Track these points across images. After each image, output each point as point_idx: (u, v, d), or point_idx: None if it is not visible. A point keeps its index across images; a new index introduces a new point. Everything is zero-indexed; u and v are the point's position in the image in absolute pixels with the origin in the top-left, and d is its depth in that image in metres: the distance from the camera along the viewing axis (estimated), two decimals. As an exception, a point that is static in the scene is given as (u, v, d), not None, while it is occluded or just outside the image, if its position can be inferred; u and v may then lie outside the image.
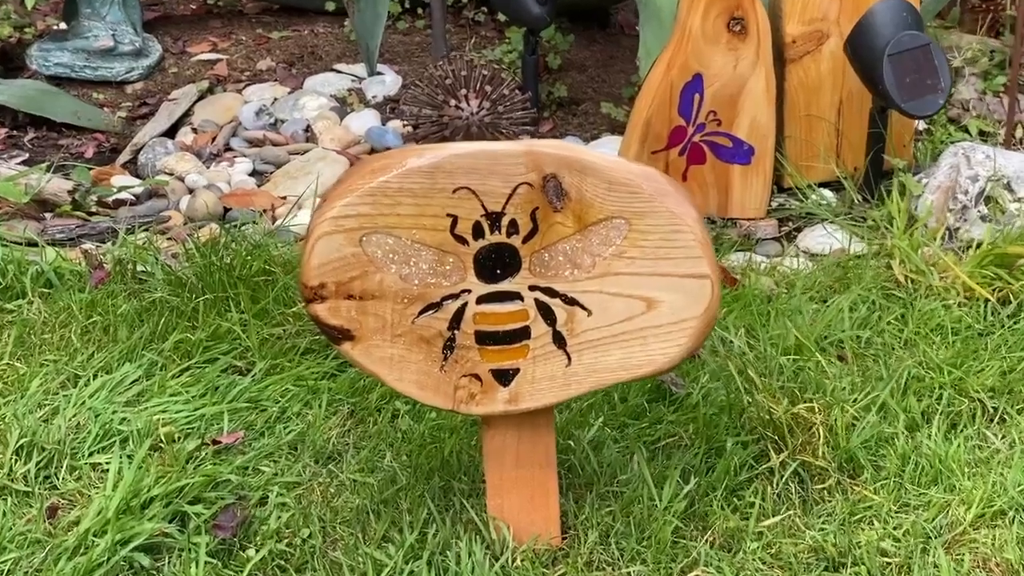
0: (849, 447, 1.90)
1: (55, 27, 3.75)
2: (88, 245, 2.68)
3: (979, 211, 2.81)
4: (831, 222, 2.86)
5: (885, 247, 2.66)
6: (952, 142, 3.19)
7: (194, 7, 3.91)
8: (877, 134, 2.94)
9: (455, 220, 1.61)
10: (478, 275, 1.63)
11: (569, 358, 1.65)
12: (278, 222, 2.76)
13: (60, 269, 2.41)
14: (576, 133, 3.26)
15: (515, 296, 1.63)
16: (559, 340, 1.64)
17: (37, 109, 3.31)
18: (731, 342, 2.17)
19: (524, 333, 1.64)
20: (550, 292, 1.63)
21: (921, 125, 3.24)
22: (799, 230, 2.91)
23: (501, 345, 1.65)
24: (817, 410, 1.95)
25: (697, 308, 1.62)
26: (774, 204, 2.97)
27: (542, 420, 1.71)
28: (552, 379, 1.65)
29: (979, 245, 2.67)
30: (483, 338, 1.64)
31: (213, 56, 3.58)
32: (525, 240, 1.62)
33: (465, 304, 1.63)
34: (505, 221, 1.61)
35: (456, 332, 1.64)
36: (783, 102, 3.00)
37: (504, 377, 1.66)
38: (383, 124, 3.20)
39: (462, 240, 1.61)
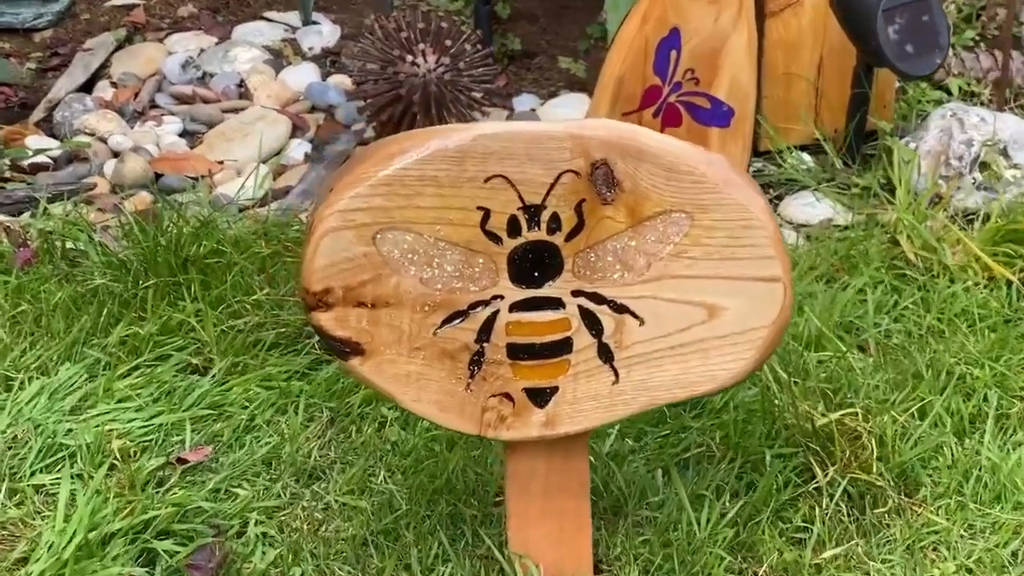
0: (903, 460, 1.69)
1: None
2: (2, 217, 2.39)
3: (974, 178, 2.62)
4: (814, 189, 2.65)
5: (884, 220, 2.45)
6: (929, 101, 3.00)
7: (103, -54, 3.58)
8: (861, 94, 2.73)
9: (487, 214, 1.36)
10: (512, 278, 1.38)
11: (617, 375, 1.41)
12: (216, 190, 2.48)
13: (-25, 248, 2.11)
14: (532, 90, 3.01)
15: (555, 303, 1.39)
16: (605, 354, 1.40)
17: (-66, 59, 2.99)
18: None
19: (565, 346, 1.40)
20: (596, 298, 1.39)
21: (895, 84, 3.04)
22: (780, 198, 2.70)
23: (538, 360, 1.40)
24: (861, 416, 1.73)
25: (767, 316, 1.39)
26: (751, 170, 2.75)
27: (576, 444, 1.48)
28: (596, 399, 1.42)
29: (980, 217, 2.48)
30: (517, 352, 1.40)
31: (129, 1, 3.26)
32: (569, 238, 1.37)
33: (496, 312, 1.39)
34: (545, 215, 1.36)
35: (485, 345, 1.39)
36: (761, 59, 2.78)
37: (540, 397, 1.41)
38: (323, 79, 2.92)
39: (495, 237, 1.37)
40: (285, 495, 1.66)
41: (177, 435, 1.75)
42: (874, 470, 1.66)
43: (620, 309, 1.39)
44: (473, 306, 1.38)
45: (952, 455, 1.74)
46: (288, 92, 2.88)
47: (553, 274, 1.38)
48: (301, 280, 1.36)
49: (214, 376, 1.87)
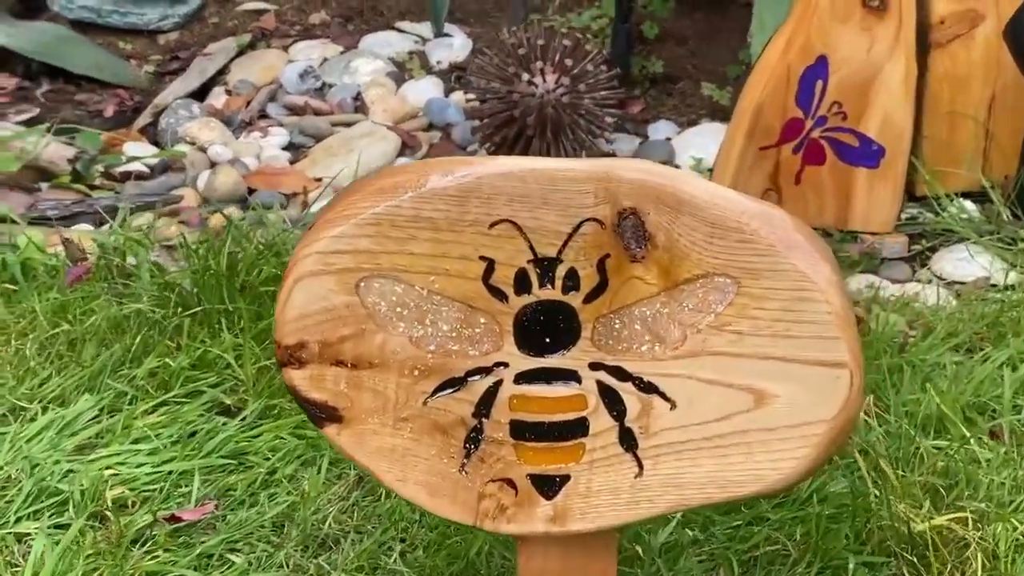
0: (1014, 581, 1.42)
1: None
2: (86, 226, 2.25)
3: None
4: (974, 242, 2.36)
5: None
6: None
7: (250, -52, 3.45)
8: (1036, 138, 2.44)
9: (491, 265, 1.14)
10: (519, 344, 1.15)
11: (641, 466, 1.17)
12: (307, 210, 2.30)
13: (31, 261, 1.96)
14: (671, 117, 2.77)
15: (570, 376, 1.16)
16: (628, 440, 1.17)
17: (54, 58, 2.88)
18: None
19: (580, 428, 1.17)
20: (620, 373, 1.15)
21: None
22: (933, 250, 2.42)
23: (546, 442, 1.17)
24: (971, 523, 1.46)
25: (828, 409, 1.14)
26: (904, 217, 2.48)
27: (599, 542, 1.24)
28: (615, 493, 1.18)
29: None
30: (522, 431, 1.17)
31: (262, 6, 3.11)
32: (588, 299, 1.14)
33: (499, 382, 1.16)
34: (561, 271, 1.13)
35: (484, 420, 1.17)
36: (923, 95, 2.50)
37: (548, 486, 1.18)
38: (446, 95, 2.73)
39: (500, 294, 1.14)
40: (288, 566, 1.46)
41: (186, 485, 1.56)
42: (975, 591, 1.39)
43: (648, 389, 1.15)
44: (472, 373, 1.16)
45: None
46: (406, 107, 2.69)
47: (568, 342, 1.15)
48: (274, 330, 1.16)
49: (244, 419, 1.68)
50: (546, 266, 1.13)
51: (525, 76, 2.40)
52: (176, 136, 2.61)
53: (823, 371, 1.14)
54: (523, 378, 1.16)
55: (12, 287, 1.93)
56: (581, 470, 1.18)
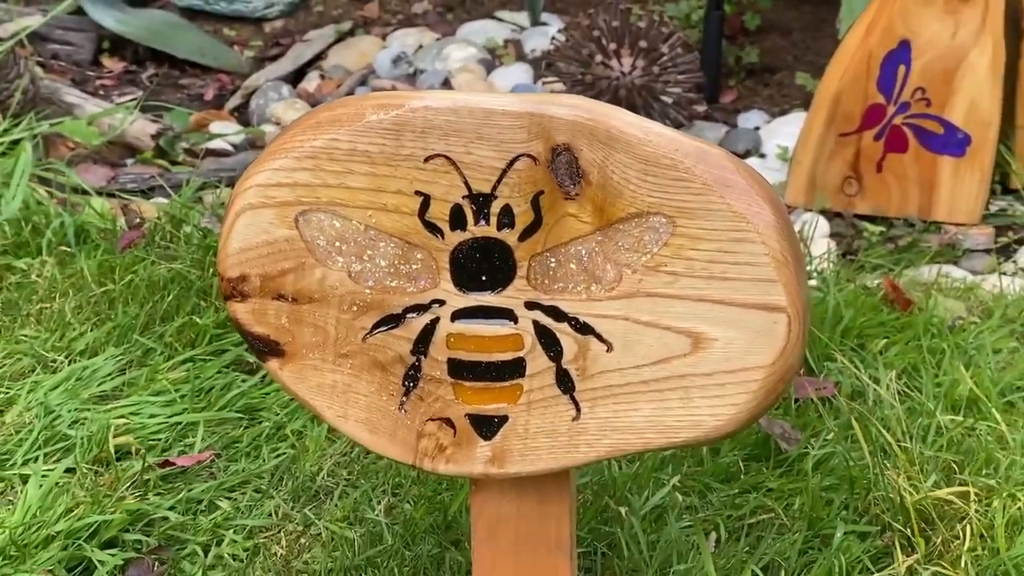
0: (1008, 556, 1.35)
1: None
2: (162, 199, 2.30)
3: None
4: (1063, 235, 2.28)
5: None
6: None
7: (366, -60, 3.49)
8: None
9: (427, 200, 1.13)
10: (456, 281, 1.15)
11: (578, 408, 1.15)
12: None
13: (87, 225, 2.01)
14: (763, 106, 2.73)
15: (506, 314, 1.14)
16: (565, 382, 1.15)
17: (160, 43, 2.95)
18: (885, 385, 1.63)
19: (517, 367, 1.15)
20: (556, 313, 1.14)
21: None
22: (1022, 242, 2.34)
23: (484, 382, 1.16)
24: (973, 496, 1.41)
25: (765, 354, 1.11)
26: (993, 208, 2.40)
27: (553, 485, 1.22)
28: (553, 436, 1.16)
29: None
30: (459, 369, 1.16)
31: (366, -5, 3.16)
32: (523, 237, 1.13)
33: (436, 320, 1.15)
34: (496, 207, 1.12)
35: (422, 358, 1.16)
36: (1016, 83, 2.42)
37: (486, 426, 1.17)
38: (535, 81, 2.73)
39: (435, 230, 1.14)
40: (276, 515, 1.47)
41: (192, 437, 1.58)
42: (962, 565, 1.33)
43: (584, 329, 1.13)
44: (409, 310, 1.16)
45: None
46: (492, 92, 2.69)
47: (504, 279, 1.14)
48: (217, 263, 1.17)
49: (263, 377, 1.69)
50: (481, 202, 1.12)
51: (599, 58, 2.39)
52: (263, 116, 2.65)
53: (760, 315, 1.10)
54: (460, 316, 1.15)
55: (67, 250, 1.98)
56: (519, 411, 1.16)
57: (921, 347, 1.77)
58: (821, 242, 2.29)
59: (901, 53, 2.34)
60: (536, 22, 2.92)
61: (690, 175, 1.09)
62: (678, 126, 2.46)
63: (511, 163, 1.11)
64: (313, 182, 1.14)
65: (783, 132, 2.59)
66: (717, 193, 1.09)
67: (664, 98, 2.42)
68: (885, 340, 1.78)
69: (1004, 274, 2.18)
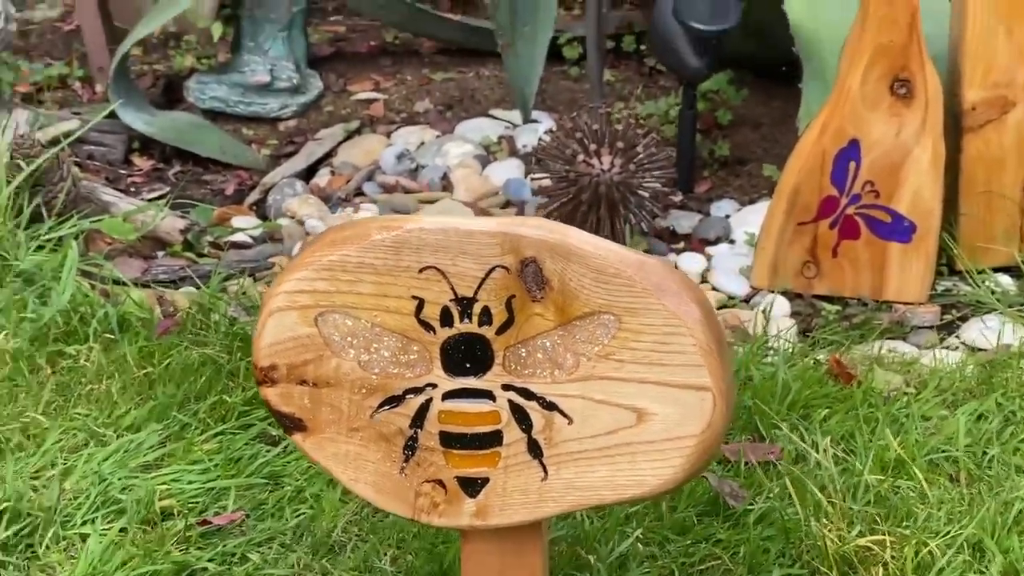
0: (915, 594, 1.61)
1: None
2: (190, 289, 2.57)
3: None
4: (1001, 312, 2.54)
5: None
6: None
7: (373, 43, 3.79)
8: (1067, 218, 2.61)
9: (421, 303, 1.40)
10: (445, 368, 1.41)
11: (546, 471, 1.42)
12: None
13: (128, 315, 2.28)
14: (734, 196, 3.01)
15: (486, 395, 1.41)
16: (535, 449, 1.42)
17: (184, 143, 3.23)
18: (818, 451, 1.89)
19: (495, 438, 1.42)
20: (526, 393, 1.41)
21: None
22: (964, 319, 2.59)
23: (469, 450, 1.43)
24: (888, 544, 1.66)
25: (695, 425, 1.37)
26: (940, 288, 2.66)
27: (528, 536, 1.48)
28: (525, 493, 1.43)
29: None
30: (449, 440, 1.43)
31: (373, 95, 3.44)
32: (499, 332, 1.40)
33: (430, 400, 1.42)
34: (477, 308, 1.39)
35: (419, 431, 1.43)
36: (958, 175, 2.69)
37: (471, 486, 1.44)
38: (525, 176, 3.01)
39: (428, 327, 1.41)
40: (297, 566, 1.73)
41: (225, 500, 1.85)
42: (875, 602, 1.59)
43: (549, 406, 1.40)
44: (408, 392, 1.42)
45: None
46: (487, 186, 2.98)
47: (484, 366, 1.41)
48: (253, 355, 1.44)
49: (285, 448, 1.96)
50: (465, 304, 1.39)
51: (582, 157, 2.67)
52: (280, 211, 2.93)
53: (691, 393, 1.37)
54: (449, 396, 1.42)
55: (111, 337, 2.25)
56: (498, 473, 1.43)
57: (858, 416, 2.02)
58: (783, 320, 2.55)
59: (851, 151, 2.60)
60: (527, 120, 3.20)
61: (632, 282, 1.36)
62: (653, 217, 2.73)
63: (488, 272, 1.38)
64: (329, 289, 1.41)
65: (751, 220, 2.85)
66: (654, 296, 1.36)
67: (641, 192, 2.69)
68: (827, 410, 2.04)
69: (946, 348, 2.44)
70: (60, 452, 1.93)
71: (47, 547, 1.76)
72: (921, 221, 2.61)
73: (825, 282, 2.64)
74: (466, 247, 1.38)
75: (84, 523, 1.80)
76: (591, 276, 1.37)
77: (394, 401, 1.43)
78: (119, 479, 1.87)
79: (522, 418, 1.41)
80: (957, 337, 2.53)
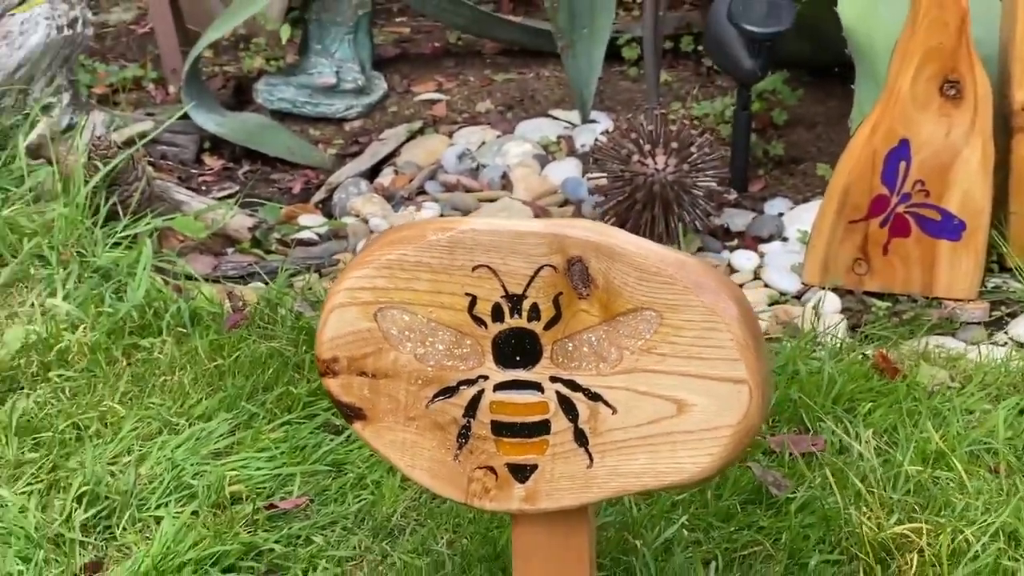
0: (952, 579, 1.68)
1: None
2: (259, 284, 2.67)
3: None
4: (1049, 311, 2.59)
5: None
6: None
7: (437, 44, 3.88)
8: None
9: (474, 300, 1.49)
10: (496, 361, 1.50)
11: (591, 458, 1.50)
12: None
13: (199, 309, 2.39)
14: (787, 194, 3.07)
15: (535, 386, 1.50)
16: (581, 438, 1.50)
17: (253, 143, 3.34)
18: (861, 443, 1.96)
19: (543, 427, 1.51)
20: (572, 385, 1.49)
21: None
22: (1013, 315, 2.65)
23: (519, 438, 1.51)
24: (925, 531, 1.73)
25: (732, 416, 1.45)
26: (989, 285, 2.72)
27: (575, 520, 1.57)
28: (572, 479, 1.51)
29: None
30: (500, 429, 1.51)
31: (436, 96, 3.54)
32: (547, 327, 1.48)
33: (482, 391, 1.51)
34: (526, 304, 1.48)
35: (471, 420, 1.52)
36: (1009, 175, 2.74)
37: (521, 473, 1.52)
38: (583, 175, 3.09)
39: (480, 322, 1.49)
40: (359, 548, 1.82)
41: (291, 485, 1.94)
42: (911, 588, 1.66)
43: (594, 397, 1.48)
44: (461, 383, 1.51)
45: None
46: (546, 185, 3.06)
47: (533, 359, 1.49)
48: (315, 348, 1.53)
49: (348, 437, 2.05)
50: (515, 301, 1.48)
51: (637, 157, 2.74)
52: (344, 210, 3.03)
53: (728, 386, 1.45)
54: (500, 387, 1.50)
55: (183, 330, 2.35)
56: (546, 460, 1.51)
57: (902, 409, 2.09)
58: (833, 316, 2.61)
59: (902, 150, 2.66)
60: (585, 120, 3.28)
61: (673, 280, 1.44)
62: (707, 215, 2.80)
63: (537, 271, 1.46)
64: (388, 286, 1.50)
65: (804, 218, 2.91)
66: (694, 293, 1.44)
67: (695, 191, 2.76)
68: (871, 404, 2.11)
69: (994, 343, 2.49)
70: (136, 439, 2.03)
71: (124, 528, 1.86)
72: (971, 220, 2.66)
73: (876, 279, 2.70)
74: (516, 247, 1.46)
75: (158, 506, 1.90)
76: (634, 275, 1.45)
77: (448, 392, 1.51)
78: (191, 465, 1.97)
79: (569, 408, 1.49)
80: (1005, 333, 2.59)
